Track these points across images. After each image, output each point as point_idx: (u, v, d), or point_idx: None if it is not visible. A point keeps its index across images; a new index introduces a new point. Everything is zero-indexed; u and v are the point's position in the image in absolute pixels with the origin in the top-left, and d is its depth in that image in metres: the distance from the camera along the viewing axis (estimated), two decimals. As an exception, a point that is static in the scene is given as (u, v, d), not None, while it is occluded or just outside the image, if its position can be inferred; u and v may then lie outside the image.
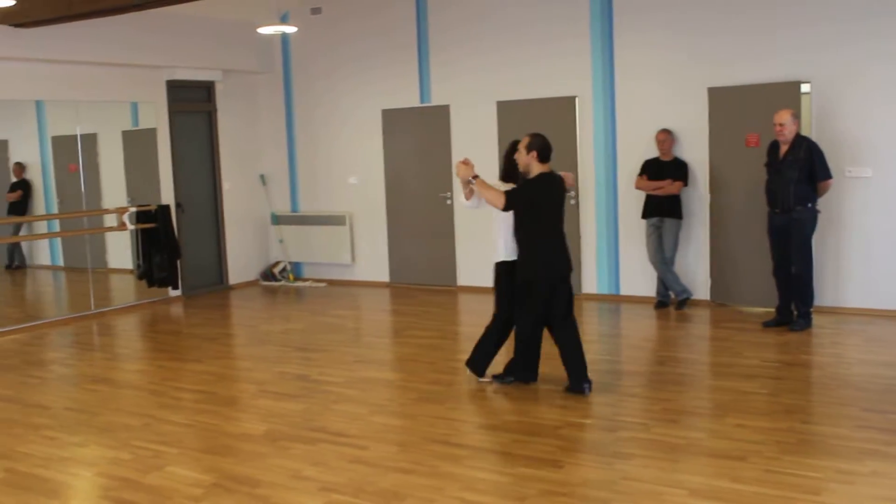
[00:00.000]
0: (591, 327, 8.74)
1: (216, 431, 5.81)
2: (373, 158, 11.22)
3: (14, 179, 10.19)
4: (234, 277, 11.80)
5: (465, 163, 6.37)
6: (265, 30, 9.46)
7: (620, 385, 6.53)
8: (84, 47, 9.50)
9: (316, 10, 11.34)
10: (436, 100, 10.69)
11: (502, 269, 6.48)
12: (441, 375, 6.92)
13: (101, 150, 10.60)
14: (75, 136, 10.23)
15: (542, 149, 6.23)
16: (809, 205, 7.80)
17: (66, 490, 4.95)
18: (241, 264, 11.90)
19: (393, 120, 11.01)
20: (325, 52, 11.44)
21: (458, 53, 10.42)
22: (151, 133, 10.83)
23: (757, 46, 8.62)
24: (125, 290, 10.94)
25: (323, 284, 11.72)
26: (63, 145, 10.34)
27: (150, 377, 7.37)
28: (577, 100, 9.67)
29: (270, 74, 11.94)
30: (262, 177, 12.14)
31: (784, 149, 7.83)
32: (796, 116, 7.83)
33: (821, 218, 7.98)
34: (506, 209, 6.22)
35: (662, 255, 9.05)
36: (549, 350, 7.54)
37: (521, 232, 6.30)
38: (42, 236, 10.45)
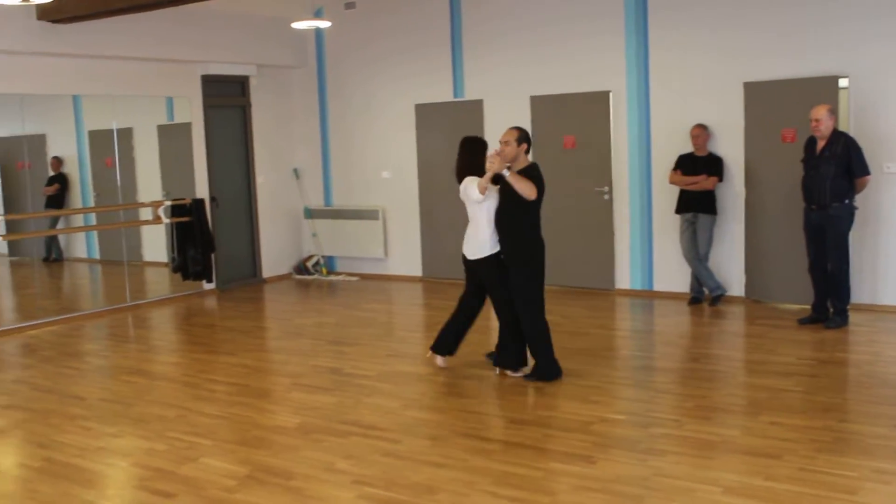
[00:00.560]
0: (623, 323, 8.72)
1: (250, 424, 5.85)
2: (406, 153, 11.24)
3: (52, 173, 10.31)
4: (267, 271, 11.87)
5: (501, 155, 6.42)
6: (299, 25, 9.49)
7: (653, 381, 6.50)
8: (120, 43, 9.59)
9: (350, 5, 11.37)
10: (469, 94, 10.68)
11: (494, 261, 6.61)
12: (473, 370, 6.92)
13: (136, 144, 10.70)
14: (111, 131, 10.34)
15: (529, 141, 6.57)
16: (846, 201, 7.70)
17: (102, 480, 5.02)
18: (274, 258, 11.97)
19: (426, 114, 11.02)
20: (359, 47, 11.47)
21: (491, 48, 10.40)
22: (186, 127, 10.91)
23: (794, 41, 8.52)
24: (160, 283, 11.05)
25: (356, 278, 11.76)
26: (100, 139, 10.45)
27: (185, 369, 7.44)
28: (610, 94, 9.62)
29: (304, 69, 11.98)
30: (295, 171, 12.20)
31: (821, 144, 7.74)
32: (833, 112, 7.73)
33: (858, 214, 7.88)
34: (537, 198, 6.34)
35: (696, 251, 8.98)
36: (580, 345, 7.54)
37: (520, 221, 6.47)
38: (79, 229, 10.57)
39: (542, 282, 6.56)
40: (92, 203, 10.48)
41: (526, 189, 6.26)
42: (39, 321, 9.41)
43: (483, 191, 6.38)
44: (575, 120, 9.91)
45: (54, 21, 8.83)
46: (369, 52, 11.39)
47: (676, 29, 9.17)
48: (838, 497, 4.29)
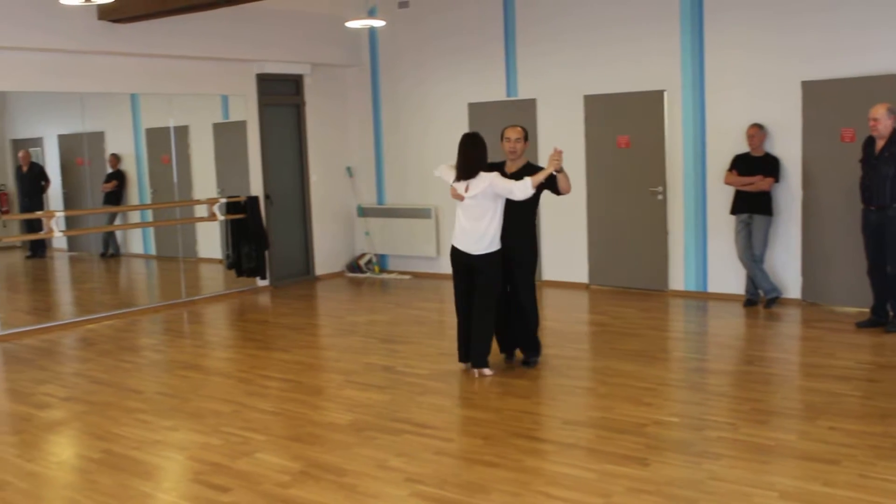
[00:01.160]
0: (677, 324, 8.63)
1: (303, 420, 5.90)
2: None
3: (110, 170, 10.50)
4: (320, 268, 11.95)
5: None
6: (353, 24, 9.55)
7: (708, 384, 6.43)
8: (177, 42, 9.72)
9: (403, 4, 11.40)
10: (522, 93, 10.65)
11: (498, 256, 6.71)
12: (526, 370, 6.90)
13: (192, 142, 10.84)
14: (168, 129, 10.49)
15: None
16: (907, 202, 7.57)
17: (158, 472, 5.09)
18: (327, 255, 12.05)
19: (479, 113, 11.01)
20: (412, 46, 11.50)
21: (545, 47, 10.37)
22: (241, 125, 11.03)
23: (853, 39, 8.37)
24: (215, 279, 11.18)
25: (408, 277, 11.79)
26: (156, 137, 10.61)
27: (239, 365, 7.52)
28: (665, 94, 9.54)
29: (358, 68, 12.05)
30: (348, 169, 12.27)
31: (880, 144, 7.59)
32: (892, 111, 7.56)
33: (919, 216, 7.73)
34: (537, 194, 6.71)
35: (752, 253, 8.87)
36: (633, 347, 7.50)
37: (528, 217, 6.83)
38: (135, 226, 10.73)
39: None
40: (149, 200, 10.65)
41: (569, 185, 6.57)
42: (97, 315, 9.58)
43: (535, 185, 6.47)
44: (629, 120, 9.84)
45: (114, 21, 8.99)
46: (422, 51, 11.42)
47: (732, 29, 9.05)
48: (899, 504, 4.22)
